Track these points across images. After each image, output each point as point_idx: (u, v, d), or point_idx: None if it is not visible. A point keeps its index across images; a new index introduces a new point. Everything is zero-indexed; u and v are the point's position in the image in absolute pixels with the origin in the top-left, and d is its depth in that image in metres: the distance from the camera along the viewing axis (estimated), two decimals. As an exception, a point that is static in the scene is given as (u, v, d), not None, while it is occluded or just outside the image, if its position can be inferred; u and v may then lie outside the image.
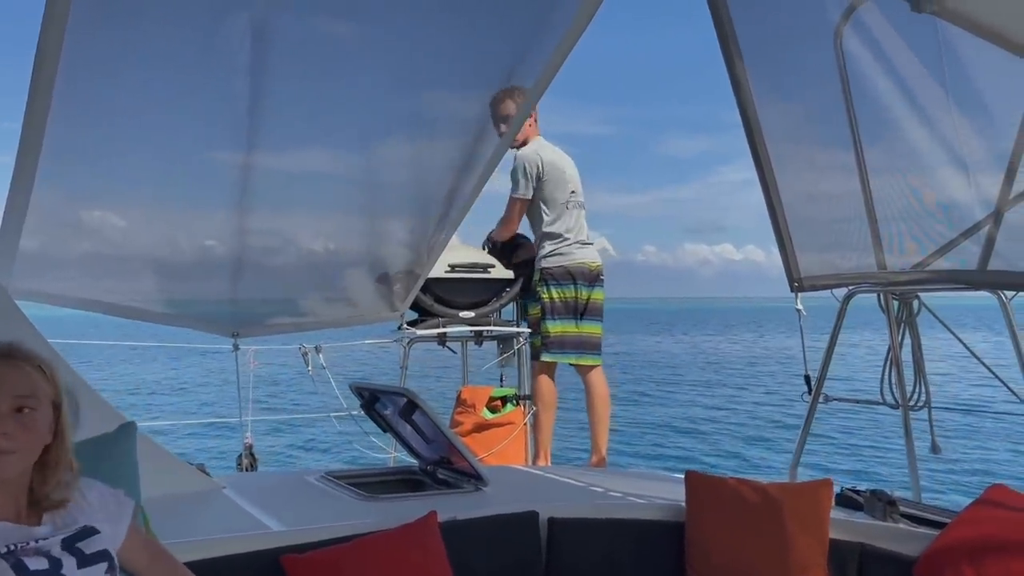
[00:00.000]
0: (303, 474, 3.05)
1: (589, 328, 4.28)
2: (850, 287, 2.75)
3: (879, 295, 2.76)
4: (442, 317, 4.60)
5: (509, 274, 4.83)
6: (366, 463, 4.71)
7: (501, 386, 4.64)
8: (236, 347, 3.17)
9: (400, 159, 2.86)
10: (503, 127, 4.19)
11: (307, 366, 4.64)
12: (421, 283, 3.53)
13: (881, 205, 2.60)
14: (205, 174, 2.57)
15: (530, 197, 4.27)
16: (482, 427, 4.34)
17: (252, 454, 4.46)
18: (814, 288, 2.84)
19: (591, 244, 4.42)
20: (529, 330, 4.80)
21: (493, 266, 4.72)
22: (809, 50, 2.78)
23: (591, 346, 4.30)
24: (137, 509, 1.90)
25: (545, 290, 4.25)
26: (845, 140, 2.60)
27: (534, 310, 4.32)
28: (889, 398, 2.96)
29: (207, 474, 2.81)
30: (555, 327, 4.22)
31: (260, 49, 2.29)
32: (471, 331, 4.74)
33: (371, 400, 3.05)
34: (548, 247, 4.30)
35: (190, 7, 2.16)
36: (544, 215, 4.30)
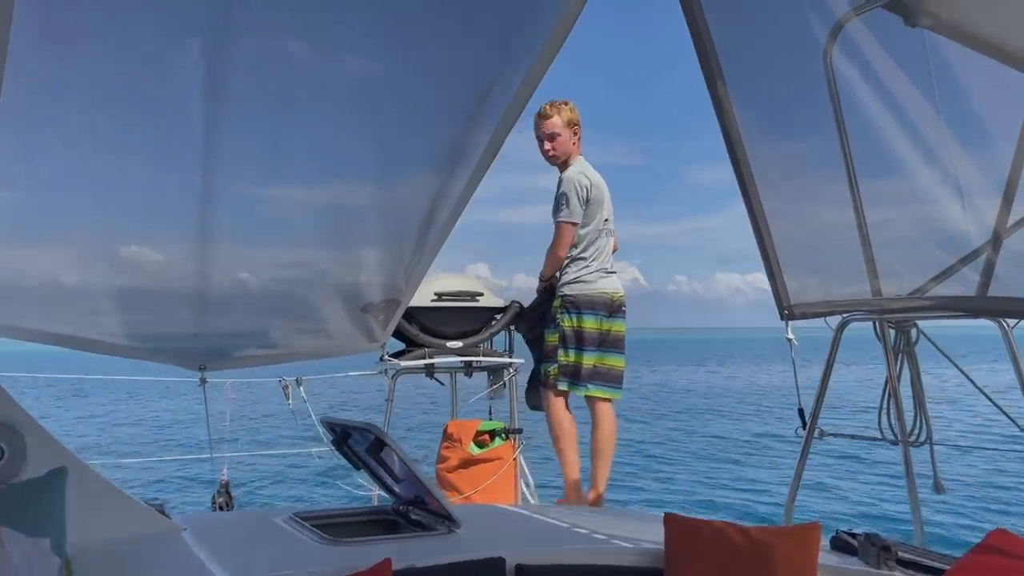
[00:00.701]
0: (270, 515, 2.90)
1: (611, 360, 4.02)
2: (844, 315, 2.61)
3: (875, 323, 2.61)
4: (428, 347, 4.48)
5: (499, 302, 4.71)
6: (350, 500, 4.57)
7: (490, 419, 4.49)
8: (203, 380, 3.04)
9: (370, 187, 2.75)
10: (548, 145, 4.06)
11: (287, 399, 4.54)
12: (401, 313, 3.41)
13: (876, 230, 2.45)
14: (161, 204, 2.46)
15: (580, 221, 3.99)
16: (468, 463, 4.18)
17: (228, 492, 4.34)
18: (805, 316, 2.68)
19: (615, 273, 4.15)
20: (520, 360, 4.67)
21: (481, 294, 4.60)
22: (795, 71, 2.66)
23: (611, 378, 4.03)
24: (63, 565, 1.78)
25: (566, 317, 3.99)
26: (836, 164, 2.47)
27: (552, 337, 4.03)
28: (888, 433, 2.80)
29: (166, 515, 2.67)
30: (573, 356, 3.97)
31: (217, 74, 2.19)
32: (460, 362, 4.61)
33: (342, 436, 2.92)
34: (572, 273, 4.03)
35: (139, 34, 2.07)
36: (575, 239, 4.02)
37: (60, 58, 2.03)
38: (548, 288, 4.16)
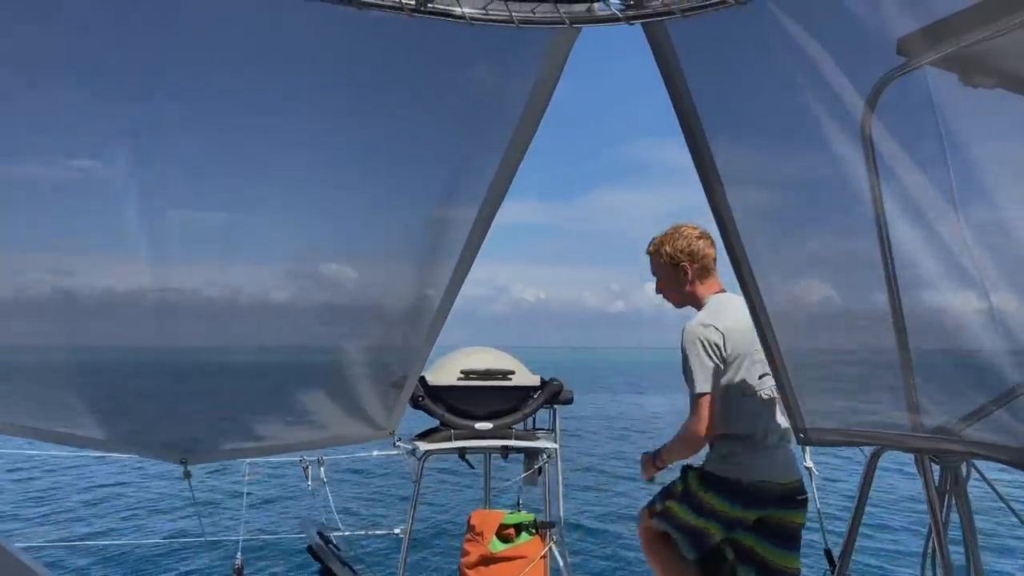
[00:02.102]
0: None
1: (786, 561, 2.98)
2: (875, 446, 2.13)
3: (916, 456, 2.11)
4: (455, 429, 4.17)
5: (534, 380, 4.37)
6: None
7: (519, 510, 4.10)
8: (187, 474, 2.82)
9: (348, 273, 2.51)
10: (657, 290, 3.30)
11: (307, 480, 4.30)
12: (405, 400, 3.12)
13: (919, 351, 1.95)
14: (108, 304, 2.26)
15: (710, 390, 2.99)
16: (489, 560, 3.80)
17: (242, 577, 4.11)
18: (823, 444, 2.20)
19: (789, 443, 3.03)
20: (555, 446, 4.30)
21: (513, 372, 4.27)
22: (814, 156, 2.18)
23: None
24: None
25: (703, 492, 3.06)
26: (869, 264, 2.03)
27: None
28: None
29: None
30: (695, 520, 3.07)
31: (156, 170, 1.99)
32: (494, 445, 4.27)
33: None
34: (724, 448, 3.07)
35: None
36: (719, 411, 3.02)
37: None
38: (685, 473, 3.21)
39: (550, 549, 4.01)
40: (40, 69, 1.75)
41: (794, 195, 2.10)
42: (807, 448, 2.42)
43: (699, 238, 3.19)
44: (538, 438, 4.32)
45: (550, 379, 4.42)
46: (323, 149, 2.11)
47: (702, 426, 2.95)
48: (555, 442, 4.34)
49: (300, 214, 2.24)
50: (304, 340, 2.76)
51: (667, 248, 3.22)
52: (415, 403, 4.10)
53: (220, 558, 4.11)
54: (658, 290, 3.29)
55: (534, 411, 4.30)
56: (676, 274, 3.23)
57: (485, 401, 4.22)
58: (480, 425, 4.17)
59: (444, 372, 4.12)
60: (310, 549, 2.42)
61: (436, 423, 4.20)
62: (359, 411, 3.06)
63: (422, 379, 4.14)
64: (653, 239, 3.31)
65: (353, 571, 2.23)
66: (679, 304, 3.31)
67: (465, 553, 3.96)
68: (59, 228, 2.05)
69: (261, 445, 2.99)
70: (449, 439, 4.11)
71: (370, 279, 2.60)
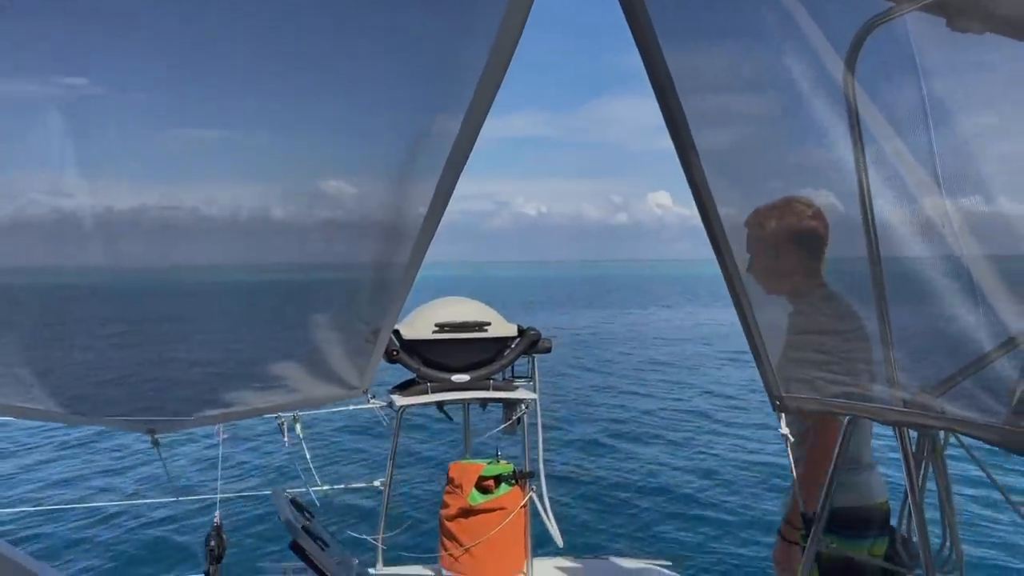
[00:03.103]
0: None
1: None
2: (848, 414, 2.09)
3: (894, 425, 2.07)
4: (431, 382, 4.12)
5: (511, 330, 4.32)
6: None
7: (497, 461, 4.09)
8: (156, 443, 2.74)
9: (312, 237, 2.41)
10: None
11: (283, 437, 4.25)
12: (378, 358, 3.05)
13: (898, 321, 1.87)
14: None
15: None
16: (468, 512, 3.79)
17: (221, 535, 4.08)
18: (800, 411, 2.15)
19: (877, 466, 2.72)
20: (534, 396, 4.28)
21: (489, 323, 4.22)
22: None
23: None
24: None
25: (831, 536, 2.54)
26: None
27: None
28: (907, 558, 2.28)
29: None
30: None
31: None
32: (471, 397, 4.24)
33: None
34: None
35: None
36: None
37: None
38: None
39: (530, 499, 4.02)
40: None
41: (771, 159, 2.02)
42: (782, 416, 2.38)
43: (812, 218, 2.57)
44: (516, 388, 4.29)
45: (527, 328, 4.37)
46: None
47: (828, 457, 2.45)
48: (534, 391, 4.32)
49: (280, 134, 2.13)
50: (269, 283, 2.67)
51: (772, 224, 2.62)
52: (390, 358, 4.04)
53: (198, 516, 4.06)
54: (750, 269, 2.44)
55: (511, 362, 4.26)
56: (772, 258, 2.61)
57: (461, 353, 4.16)
58: (457, 377, 4.13)
59: (418, 325, 4.05)
60: (282, 523, 2.38)
61: (412, 375, 4.16)
62: (331, 371, 2.98)
63: (396, 332, 4.07)
64: (756, 209, 2.57)
65: (324, 543, 2.19)
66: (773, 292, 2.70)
67: (445, 505, 3.96)
68: (50, 147, 1.94)
69: (231, 411, 2.90)
70: (426, 392, 4.07)
71: (337, 224, 2.49)
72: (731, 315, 2.09)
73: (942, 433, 2.03)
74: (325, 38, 1.95)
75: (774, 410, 2.12)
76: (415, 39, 2.00)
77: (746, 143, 2.04)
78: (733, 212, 2.04)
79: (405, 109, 2.13)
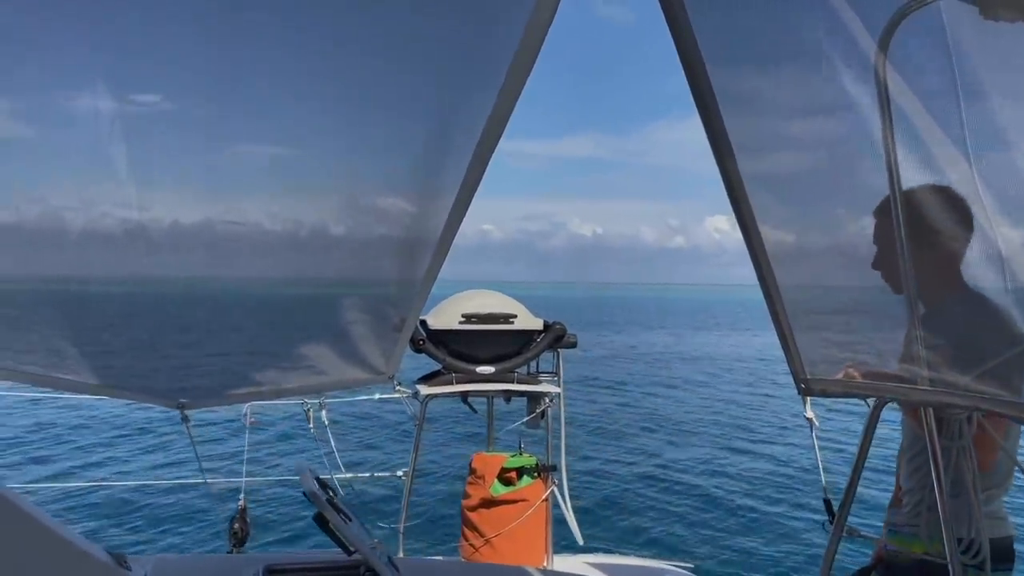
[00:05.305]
0: (241, 564, 2.63)
1: None
2: (873, 398, 2.04)
3: (923, 408, 2.02)
4: (456, 373, 4.13)
5: (537, 323, 4.31)
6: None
7: (520, 454, 4.08)
8: (185, 419, 2.78)
9: (343, 216, 2.43)
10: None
11: (309, 423, 4.28)
12: (404, 345, 3.07)
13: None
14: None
15: None
16: (490, 503, 3.79)
17: (245, 519, 4.13)
18: (824, 394, 2.11)
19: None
20: (558, 390, 4.27)
21: (515, 316, 4.21)
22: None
23: None
24: None
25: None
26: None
27: None
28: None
29: (126, 566, 2.41)
30: None
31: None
32: (496, 389, 4.24)
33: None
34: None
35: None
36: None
37: None
38: None
39: (552, 492, 4.01)
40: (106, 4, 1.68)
41: (800, 137, 1.98)
42: (807, 399, 2.35)
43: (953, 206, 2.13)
44: (540, 382, 4.28)
45: (553, 322, 4.36)
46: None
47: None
48: (558, 386, 4.31)
49: (293, 147, 2.15)
50: (299, 278, 2.69)
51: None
52: (416, 347, 4.06)
53: (223, 500, 4.12)
54: (876, 265, 2.16)
55: (536, 355, 4.26)
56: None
57: (487, 345, 4.17)
58: (482, 369, 4.13)
59: (445, 315, 4.06)
60: (306, 495, 2.39)
61: (438, 366, 4.17)
62: (358, 355, 3.00)
63: (423, 322, 4.09)
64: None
65: (348, 517, 2.20)
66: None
67: (467, 496, 3.97)
68: (119, 161, 1.99)
69: (259, 390, 2.94)
70: (451, 383, 4.08)
71: (365, 214, 2.51)
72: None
73: (967, 419, 1.99)
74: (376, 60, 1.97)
75: (799, 393, 2.09)
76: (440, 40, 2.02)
77: (793, 171, 2.03)
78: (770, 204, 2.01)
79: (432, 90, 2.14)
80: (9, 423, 12.71)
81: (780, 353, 2.04)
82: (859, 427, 2.25)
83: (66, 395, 2.58)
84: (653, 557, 4.89)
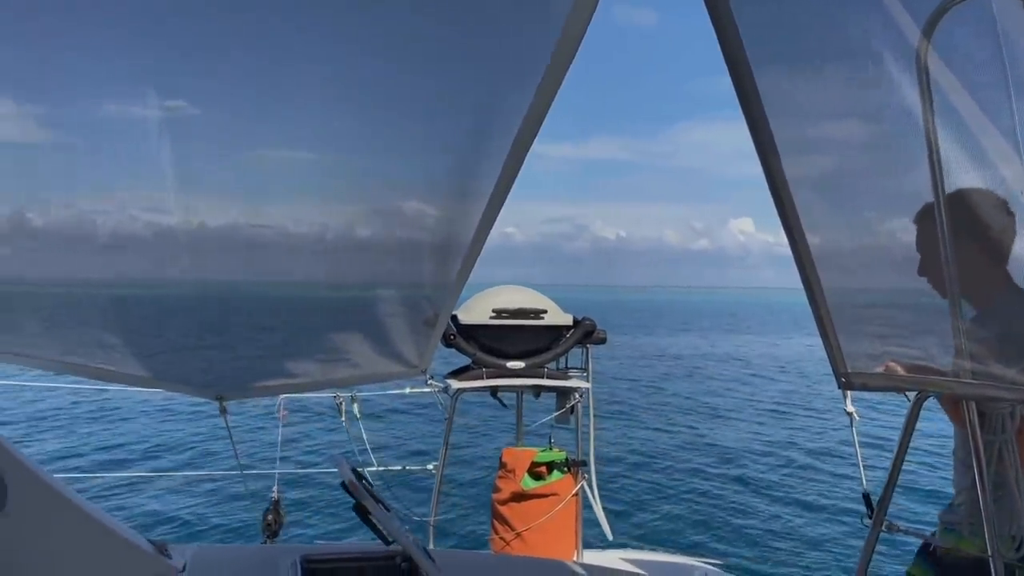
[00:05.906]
0: (279, 553, 2.67)
1: None
2: (917, 391, 2.01)
3: (963, 402, 1.99)
4: (487, 367, 4.15)
5: (567, 319, 4.32)
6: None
7: (550, 448, 4.10)
8: (224, 410, 2.84)
9: (379, 214, 2.48)
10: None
11: (340, 416, 4.34)
12: (436, 339, 3.10)
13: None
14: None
15: None
16: (520, 497, 3.82)
17: (279, 510, 4.19)
18: (866, 388, 2.10)
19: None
20: (587, 385, 4.27)
21: (545, 311, 4.23)
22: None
23: None
24: None
25: None
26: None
27: None
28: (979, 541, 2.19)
29: (166, 555, 2.47)
30: None
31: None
32: (525, 383, 4.26)
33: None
34: None
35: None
36: None
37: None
38: None
39: (582, 487, 4.02)
40: (138, 12, 1.72)
41: (842, 131, 1.96)
42: (847, 393, 2.33)
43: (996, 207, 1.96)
44: (570, 377, 4.29)
45: (583, 318, 4.37)
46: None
47: None
48: (587, 381, 4.32)
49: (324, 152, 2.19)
50: (336, 277, 2.73)
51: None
52: (447, 341, 4.09)
53: (257, 491, 4.20)
54: (922, 272, 2.03)
55: (566, 350, 4.27)
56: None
57: (517, 340, 4.19)
58: (512, 364, 4.15)
59: (476, 311, 4.09)
60: (343, 485, 2.43)
61: (468, 361, 4.19)
62: (391, 349, 3.04)
63: (454, 317, 4.12)
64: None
65: (386, 507, 2.23)
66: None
67: (497, 490, 3.99)
68: (150, 167, 2.04)
69: (295, 382, 3.00)
70: (481, 377, 4.10)
71: (401, 217, 2.55)
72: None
73: (1011, 415, 1.97)
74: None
75: (839, 387, 2.08)
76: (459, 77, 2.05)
77: (836, 167, 2.02)
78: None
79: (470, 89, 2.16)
80: (59, 416, 13.06)
81: (814, 355, 2.04)
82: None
83: (113, 387, 2.66)
84: (683, 553, 4.87)
